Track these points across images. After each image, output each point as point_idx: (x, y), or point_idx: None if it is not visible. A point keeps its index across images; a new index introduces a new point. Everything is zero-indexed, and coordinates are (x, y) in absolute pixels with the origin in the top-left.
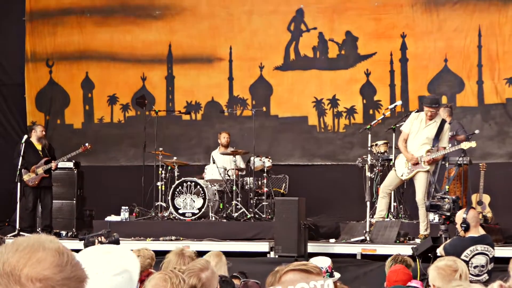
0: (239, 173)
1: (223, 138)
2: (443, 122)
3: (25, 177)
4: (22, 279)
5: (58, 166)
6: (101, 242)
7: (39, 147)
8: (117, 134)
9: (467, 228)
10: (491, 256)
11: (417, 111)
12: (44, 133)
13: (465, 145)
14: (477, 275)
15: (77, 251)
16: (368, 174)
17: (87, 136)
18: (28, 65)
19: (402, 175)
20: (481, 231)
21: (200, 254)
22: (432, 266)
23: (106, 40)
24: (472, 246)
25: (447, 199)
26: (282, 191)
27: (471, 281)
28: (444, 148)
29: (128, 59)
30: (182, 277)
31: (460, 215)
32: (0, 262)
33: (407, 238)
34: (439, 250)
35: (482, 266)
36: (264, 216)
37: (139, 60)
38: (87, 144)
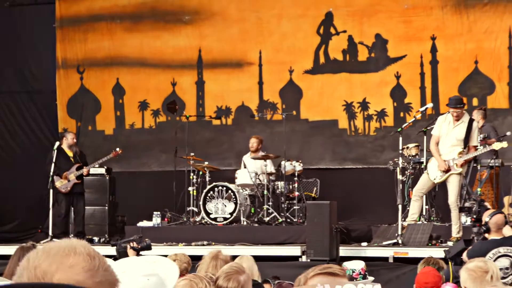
0: (270, 177)
1: (250, 143)
2: (471, 121)
3: (58, 184)
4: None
5: (90, 172)
6: (133, 248)
7: (70, 154)
8: (148, 140)
9: (486, 231)
10: None
11: (445, 113)
12: (75, 140)
13: (496, 146)
14: (502, 278)
15: (110, 257)
16: (399, 177)
17: (118, 142)
18: (59, 72)
19: (435, 179)
20: (509, 232)
21: (233, 259)
22: (463, 268)
23: (136, 46)
24: (494, 248)
25: (474, 201)
26: (313, 195)
27: None
28: (475, 146)
29: (158, 64)
30: (208, 281)
31: (484, 217)
32: (31, 267)
33: (439, 241)
34: (463, 256)
35: (506, 269)
36: (296, 220)
37: (169, 66)
38: (118, 149)
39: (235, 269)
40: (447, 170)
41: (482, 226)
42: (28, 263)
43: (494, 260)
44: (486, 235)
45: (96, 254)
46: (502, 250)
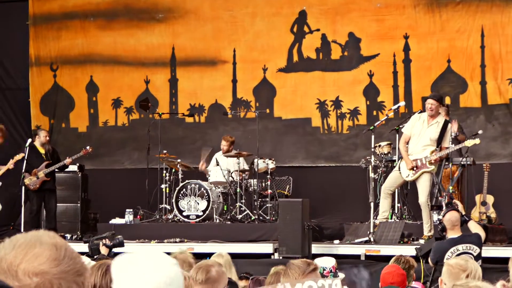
0: (243, 175)
1: (222, 146)
2: (446, 122)
3: (26, 181)
4: (19, 274)
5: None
6: (105, 245)
7: (42, 151)
8: (122, 137)
9: (443, 229)
10: (475, 254)
11: (420, 112)
12: (47, 138)
13: (469, 143)
14: None
15: (82, 253)
16: (371, 175)
17: (92, 140)
18: (32, 69)
19: (407, 176)
20: (474, 229)
21: (204, 256)
22: (446, 261)
23: (109, 43)
24: (452, 247)
25: (445, 199)
26: (286, 192)
27: None
28: (447, 147)
29: (131, 62)
30: (187, 274)
31: (441, 216)
32: None
33: (411, 239)
34: (429, 259)
35: None
36: (268, 217)
37: (142, 63)
38: (88, 148)
39: (208, 263)
40: (413, 168)
41: (438, 225)
42: None
43: None
44: (445, 233)
45: (63, 244)
46: (461, 248)
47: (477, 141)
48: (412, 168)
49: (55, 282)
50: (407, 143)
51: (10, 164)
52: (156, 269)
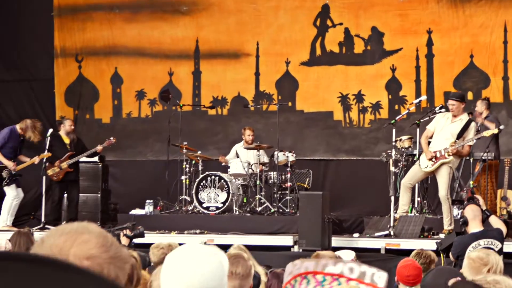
0: (263, 167)
1: (248, 136)
2: (469, 121)
3: (49, 172)
4: (70, 258)
5: (83, 160)
6: (126, 235)
7: (67, 141)
8: (145, 129)
9: (464, 223)
10: (497, 249)
11: (445, 111)
12: (72, 127)
13: (487, 133)
14: None
15: None
16: (392, 169)
17: (115, 131)
18: (57, 61)
19: (426, 167)
20: (496, 224)
21: (224, 248)
22: (467, 254)
23: (134, 35)
24: (473, 242)
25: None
26: (305, 185)
27: None
28: (470, 146)
29: (155, 54)
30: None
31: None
32: (46, 246)
33: (431, 233)
34: (450, 254)
35: None
36: (288, 210)
37: (166, 56)
38: (111, 138)
39: (240, 256)
40: (432, 158)
41: (460, 219)
42: (43, 243)
43: None
44: (466, 228)
45: (108, 233)
46: (482, 242)
47: (495, 130)
48: (431, 159)
49: (105, 267)
50: (430, 138)
51: (35, 160)
52: (199, 263)
